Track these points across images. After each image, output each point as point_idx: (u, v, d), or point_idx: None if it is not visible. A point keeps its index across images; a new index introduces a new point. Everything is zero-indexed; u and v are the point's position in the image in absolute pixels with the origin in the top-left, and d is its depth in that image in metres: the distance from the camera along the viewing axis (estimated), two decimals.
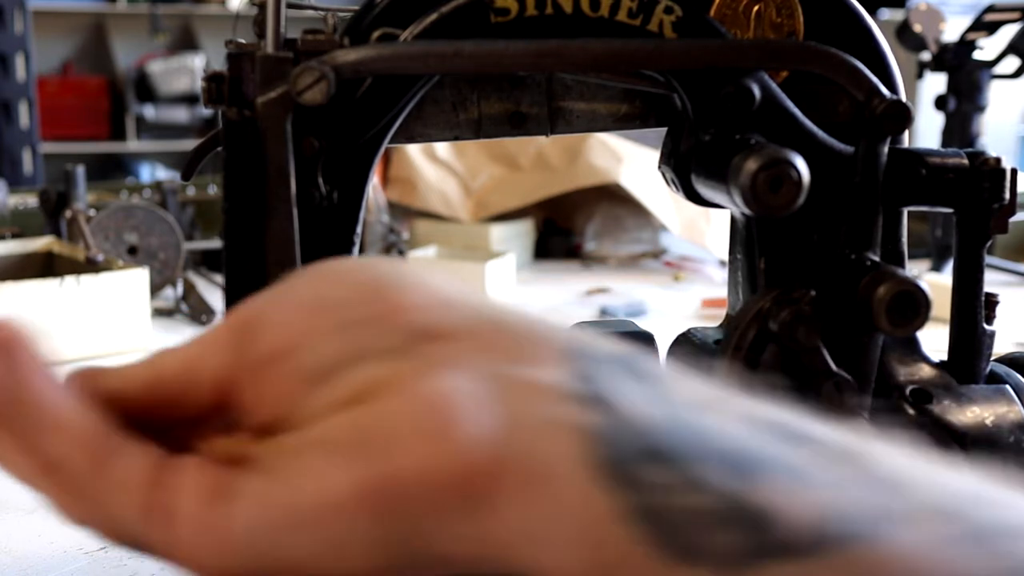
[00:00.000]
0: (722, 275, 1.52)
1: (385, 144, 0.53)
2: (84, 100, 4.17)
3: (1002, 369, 0.57)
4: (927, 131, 2.34)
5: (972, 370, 0.56)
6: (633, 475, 0.27)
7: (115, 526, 0.29)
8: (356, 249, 0.54)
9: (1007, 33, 1.51)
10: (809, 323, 0.52)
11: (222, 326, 0.32)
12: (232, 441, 0.31)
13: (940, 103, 1.53)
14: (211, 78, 0.50)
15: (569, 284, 1.53)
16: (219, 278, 1.48)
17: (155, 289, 1.30)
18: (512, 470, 0.27)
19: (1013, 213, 0.55)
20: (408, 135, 0.58)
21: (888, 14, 3.00)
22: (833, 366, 0.52)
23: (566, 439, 0.27)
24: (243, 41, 0.51)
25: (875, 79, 0.52)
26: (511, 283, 1.50)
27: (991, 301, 0.57)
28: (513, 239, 1.67)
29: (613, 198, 1.68)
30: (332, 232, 0.52)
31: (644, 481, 0.27)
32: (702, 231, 1.61)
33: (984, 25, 1.49)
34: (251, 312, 0.31)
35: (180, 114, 4.23)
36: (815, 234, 0.54)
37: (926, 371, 0.56)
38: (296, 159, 0.49)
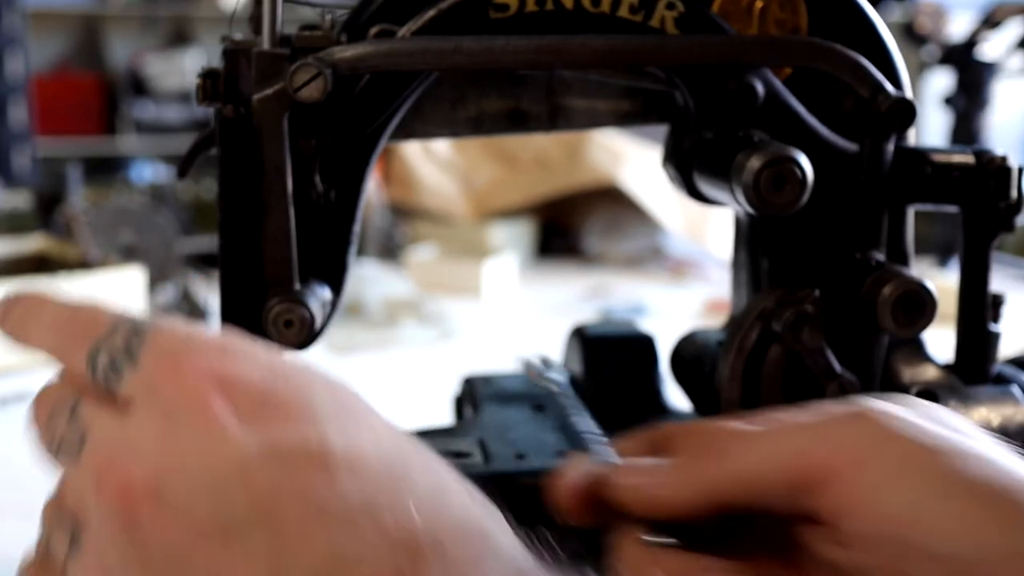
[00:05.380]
0: (723, 275, 1.51)
1: (383, 142, 0.52)
2: (79, 99, 4.16)
3: (1010, 370, 0.57)
4: (932, 129, 2.34)
5: (979, 371, 0.55)
6: None
7: None
8: (354, 249, 0.53)
9: (1014, 30, 1.51)
10: (813, 323, 0.51)
11: None
12: None
13: (950, 101, 1.52)
14: (206, 75, 0.49)
15: (569, 284, 1.52)
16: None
17: (150, 288, 1.29)
18: None
19: (1020, 211, 0.54)
20: (407, 132, 0.57)
21: (894, 10, 3.00)
22: (838, 367, 0.52)
23: None
24: (239, 37, 0.51)
25: (880, 76, 0.52)
26: (511, 283, 1.49)
27: (997, 301, 0.56)
28: (513, 239, 1.66)
29: (613, 198, 1.67)
30: (330, 231, 0.52)
31: None
32: (703, 231, 1.61)
33: (992, 22, 1.49)
34: None
35: (176, 112, 4.22)
36: (819, 233, 0.53)
37: (932, 372, 0.55)
38: (293, 157, 0.49)
